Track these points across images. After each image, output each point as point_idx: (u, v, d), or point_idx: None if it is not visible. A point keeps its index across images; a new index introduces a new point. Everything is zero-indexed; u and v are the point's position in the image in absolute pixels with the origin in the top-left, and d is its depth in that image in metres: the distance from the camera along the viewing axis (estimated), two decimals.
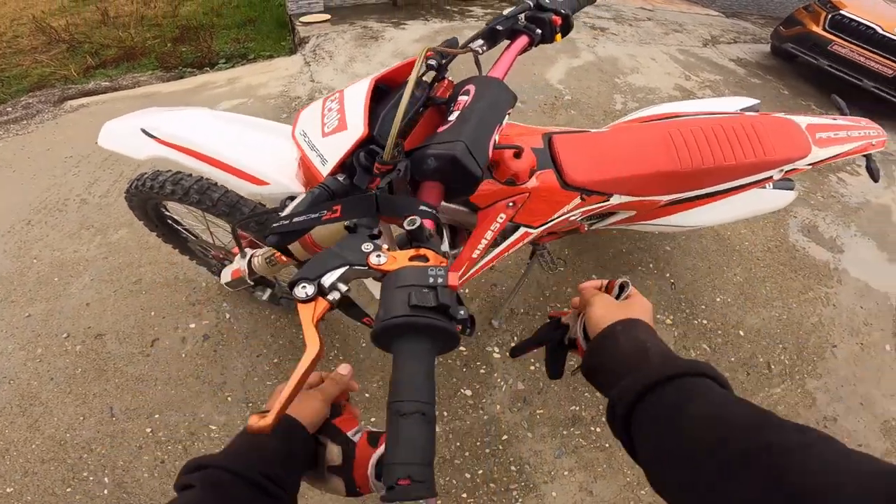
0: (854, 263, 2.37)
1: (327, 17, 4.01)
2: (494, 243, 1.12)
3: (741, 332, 1.94)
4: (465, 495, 1.42)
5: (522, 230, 1.12)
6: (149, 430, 1.45)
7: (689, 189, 1.28)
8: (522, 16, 0.93)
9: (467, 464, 1.48)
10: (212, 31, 4.11)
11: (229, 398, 1.54)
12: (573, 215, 1.18)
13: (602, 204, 1.20)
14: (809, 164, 1.34)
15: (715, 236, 2.32)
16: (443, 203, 0.91)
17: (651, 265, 2.13)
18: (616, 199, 1.22)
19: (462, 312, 0.46)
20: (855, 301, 2.17)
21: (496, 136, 0.74)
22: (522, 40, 0.93)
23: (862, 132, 1.43)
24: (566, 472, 1.49)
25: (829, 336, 1.99)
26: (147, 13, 4.72)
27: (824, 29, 3.84)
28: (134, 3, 4.99)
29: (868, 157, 1.49)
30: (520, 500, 1.42)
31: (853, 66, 3.67)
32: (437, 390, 1.61)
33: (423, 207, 0.61)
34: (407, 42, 3.65)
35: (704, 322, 1.96)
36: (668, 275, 2.10)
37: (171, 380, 1.57)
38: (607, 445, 1.56)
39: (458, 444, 1.52)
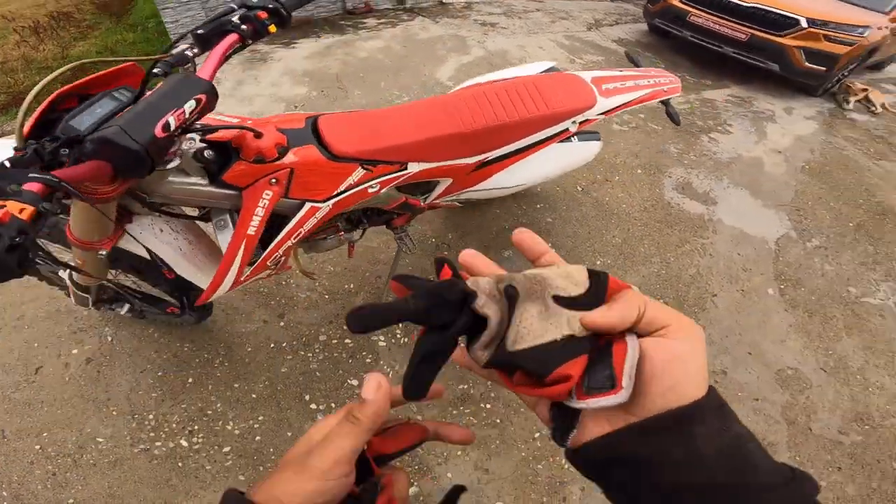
0: (728, 213, 2.56)
1: None
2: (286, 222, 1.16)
3: None
4: None
5: (308, 205, 1.15)
6: (38, 447, 1.47)
7: (485, 149, 1.36)
8: (236, 17, 0.96)
9: None
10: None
11: (114, 412, 1.55)
12: (370, 186, 1.23)
13: (401, 173, 1.27)
14: (600, 114, 1.46)
15: (594, 203, 2.45)
16: (207, 188, 1.02)
17: None
18: (415, 167, 1.28)
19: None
20: (731, 248, 2.34)
21: (170, 119, 0.76)
22: (230, 38, 0.95)
23: (652, 80, 1.56)
24: (459, 452, 1.53)
25: (709, 286, 2.14)
26: (35, 56, 4.44)
27: (681, 1, 4.14)
28: (21, 48, 4.69)
29: (666, 104, 1.64)
30: (414, 483, 1.44)
31: (712, 35, 3.97)
32: (325, 382, 1.66)
33: (32, 175, 0.68)
34: (297, 59, 3.63)
35: None
36: (550, 244, 2.18)
37: (57, 401, 1.57)
38: (498, 421, 1.60)
39: None
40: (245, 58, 3.70)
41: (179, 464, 1.44)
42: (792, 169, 3.02)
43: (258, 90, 3.32)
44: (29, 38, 4.69)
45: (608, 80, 1.50)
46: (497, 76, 1.63)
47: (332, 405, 1.59)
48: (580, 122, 1.44)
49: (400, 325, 1.68)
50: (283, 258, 1.29)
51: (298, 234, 1.21)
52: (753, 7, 3.74)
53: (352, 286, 1.95)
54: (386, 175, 1.24)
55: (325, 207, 1.18)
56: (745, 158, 3.07)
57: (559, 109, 1.37)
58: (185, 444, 1.48)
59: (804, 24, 3.62)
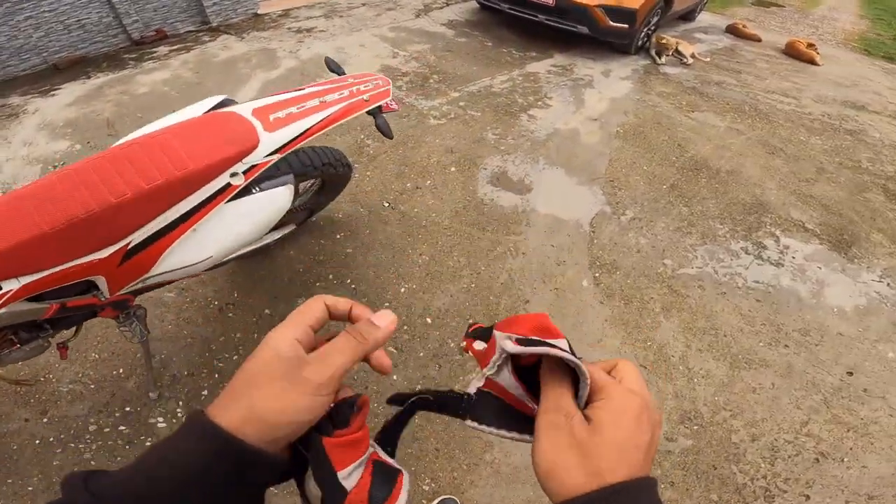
0: (542, 199, 2.40)
1: None
2: None
3: (428, 320, 1.80)
4: None
5: None
6: None
7: (113, 234, 1.00)
8: None
9: None
10: None
11: None
12: None
13: None
14: (270, 154, 1.14)
15: (400, 218, 2.18)
16: None
17: (331, 276, 1.90)
18: (13, 284, 0.90)
19: None
20: (545, 241, 2.17)
21: None
22: None
23: (348, 91, 1.29)
24: None
25: (521, 291, 1.94)
26: None
27: None
28: None
29: (374, 114, 1.37)
30: None
31: (525, 4, 3.87)
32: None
33: None
34: (57, 108, 2.97)
35: None
36: (348, 281, 1.89)
37: None
38: None
39: None
40: None
41: None
42: (606, 136, 2.96)
43: (8, 153, 2.67)
44: None
45: (277, 106, 1.19)
46: (165, 122, 1.25)
47: None
48: (245, 172, 1.12)
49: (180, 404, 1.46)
50: None
51: None
52: None
53: (121, 371, 1.59)
54: None
55: None
56: (562, 132, 2.96)
57: (202, 164, 1.04)
58: None
59: None
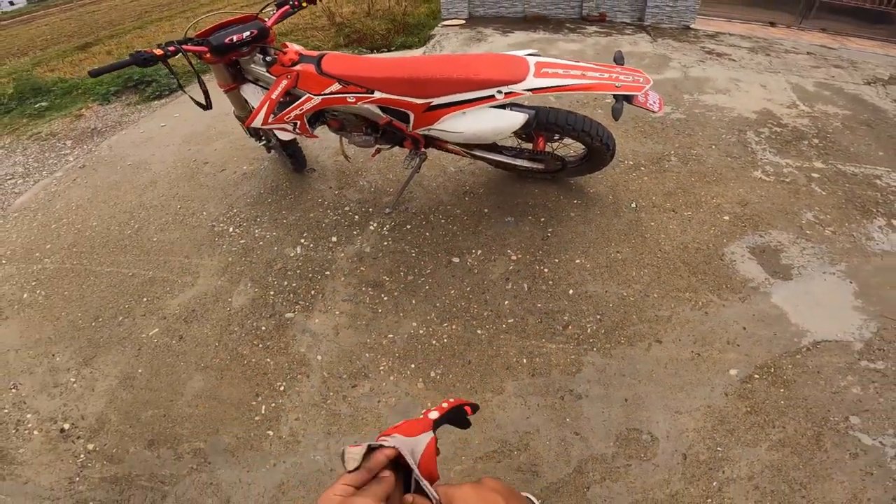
0: (787, 294, 1.90)
1: (462, 21, 4.83)
2: (292, 101, 1.81)
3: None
4: (272, 293, 2.02)
5: (306, 95, 1.77)
6: None
7: (426, 94, 1.65)
8: None
9: (278, 279, 2.09)
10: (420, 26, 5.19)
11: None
12: (348, 97, 1.74)
13: (368, 95, 1.73)
14: (527, 90, 1.53)
15: (635, 220, 2.21)
16: (264, 73, 1.85)
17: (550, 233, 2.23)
18: (378, 94, 1.70)
19: None
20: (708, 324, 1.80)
21: (234, 37, 1.64)
22: (284, 7, 1.85)
23: (608, 75, 1.54)
24: (338, 312, 1.92)
25: None
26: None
27: None
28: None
29: (617, 99, 1.58)
30: (298, 310, 1.95)
31: None
32: (312, 231, 2.30)
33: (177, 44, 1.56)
34: (502, 46, 4.16)
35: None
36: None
37: None
38: (379, 311, 1.90)
39: (298, 269, 2.13)
40: (469, 35, 4.45)
41: None
42: None
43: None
44: None
45: (552, 66, 1.60)
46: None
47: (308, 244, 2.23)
48: (506, 93, 1.58)
49: (387, 225, 2.18)
50: (297, 123, 1.93)
51: (302, 108, 1.84)
52: None
53: (389, 190, 2.52)
54: (357, 93, 1.76)
55: (317, 99, 1.80)
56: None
57: (485, 77, 1.58)
58: None
59: None
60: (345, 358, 1.75)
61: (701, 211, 2.29)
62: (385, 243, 2.18)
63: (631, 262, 2.03)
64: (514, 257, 2.06)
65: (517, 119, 1.65)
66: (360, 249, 2.16)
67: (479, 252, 2.10)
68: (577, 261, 2.03)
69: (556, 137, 2.01)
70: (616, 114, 1.59)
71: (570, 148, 2.21)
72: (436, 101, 1.68)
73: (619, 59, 1.72)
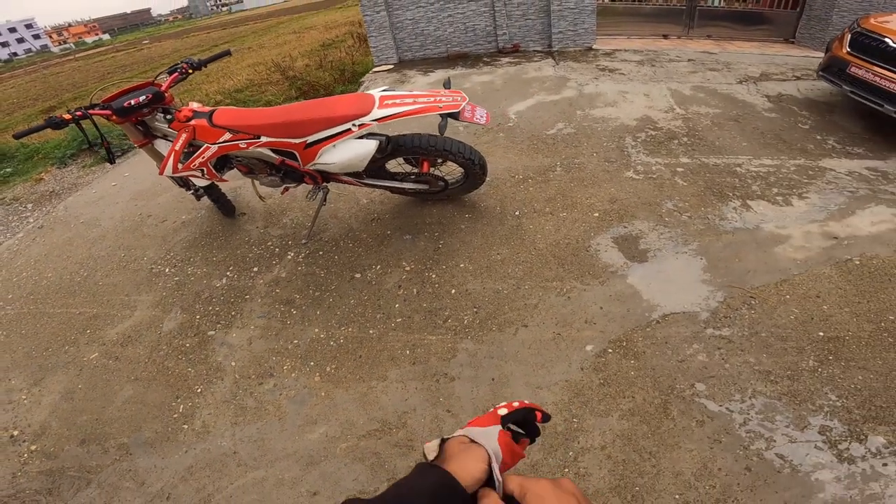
0: (645, 274, 2.15)
1: (391, 66, 5.20)
2: (193, 151, 2.08)
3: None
4: (198, 317, 2.22)
5: (205, 144, 2.04)
6: None
7: (300, 134, 1.92)
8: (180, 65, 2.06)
9: (204, 306, 2.29)
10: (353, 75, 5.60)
11: None
12: (240, 143, 2.01)
13: (255, 140, 1.99)
14: (374, 120, 1.86)
15: (516, 226, 2.48)
16: (165, 128, 2.13)
17: (441, 245, 2.49)
18: (264, 139, 1.98)
19: None
20: (598, 301, 2.05)
21: (132, 102, 1.88)
22: (174, 74, 2.15)
23: (433, 99, 1.87)
24: (252, 327, 2.13)
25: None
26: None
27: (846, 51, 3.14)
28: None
29: (443, 117, 1.88)
30: (219, 328, 2.15)
31: (871, 90, 2.94)
32: (237, 265, 2.52)
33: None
34: (423, 84, 4.52)
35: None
36: (441, 242, 2.43)
37: None
38: (288, 323, 2.11)
39: (222, 296, 2.34)
40: (395, 78, 4.80)
41: None
42: (826, 260, 2.14)
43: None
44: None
45: (393, 97, 1.88)
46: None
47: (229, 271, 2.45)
48: (359, 125, 1.87)
49: (303, 255, 2.42)
50: (204, 169, 2.19)
51: (204, 156, 2.10)
52: None
53: (302, 220, 2.76)
54: (246, 139, 2.01)
55: (214, 147, 2.05)
56: (769, 235, 2.31)
57: (342, 114, 1.87)
58: None
59: None
60: (255, 362, 1.95)
61: (575, 211, 2.56)
62: (299, 268, 2.41)
63: (509, 261, 2.28)
64: (407, 268, 2.30)
65: (371, 145, 1.94)
66: (277, 275, 2.38)
67: (379, 267, 2.33)
68: (462, 265, 2.27)
69: (438, 161, 2.29)
70: (441, 129, 1.89)
71: (454, 169, 2.49)
72: (310, 138, 1.95)
73: (447, 85, 2.04)
